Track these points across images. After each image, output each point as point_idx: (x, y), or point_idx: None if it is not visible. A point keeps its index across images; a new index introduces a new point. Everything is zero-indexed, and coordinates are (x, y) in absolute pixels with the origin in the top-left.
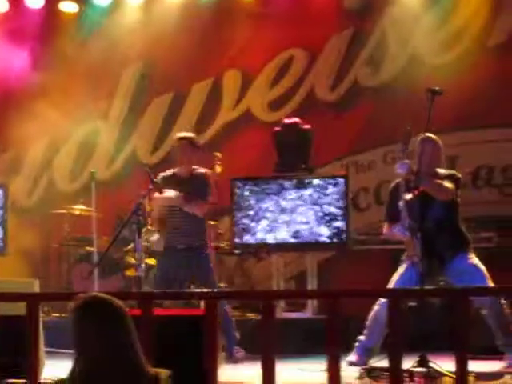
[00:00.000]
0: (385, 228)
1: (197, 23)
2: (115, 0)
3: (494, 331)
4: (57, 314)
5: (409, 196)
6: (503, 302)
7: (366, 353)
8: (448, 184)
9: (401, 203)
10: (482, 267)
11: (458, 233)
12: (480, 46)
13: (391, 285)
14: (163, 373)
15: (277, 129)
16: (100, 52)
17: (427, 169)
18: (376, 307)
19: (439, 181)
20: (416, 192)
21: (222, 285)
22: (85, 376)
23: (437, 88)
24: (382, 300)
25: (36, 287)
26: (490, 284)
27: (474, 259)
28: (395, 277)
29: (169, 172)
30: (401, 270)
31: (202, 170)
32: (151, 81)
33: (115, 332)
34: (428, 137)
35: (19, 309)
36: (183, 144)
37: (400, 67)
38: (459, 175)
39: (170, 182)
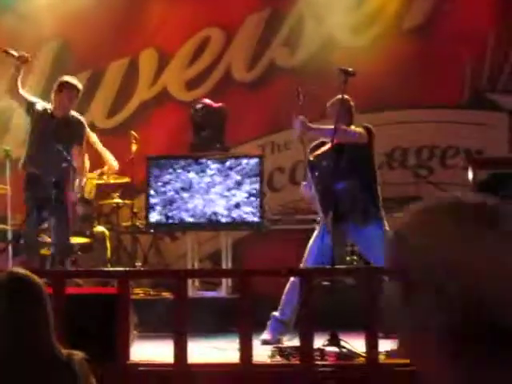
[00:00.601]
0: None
1: (114, 1)
2: None
3: None
4: None
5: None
6: None
7: (279, 329)
8: (357, 128)
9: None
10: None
11: (373, 195)
12: (395, 28)
13: (306, 254)
14: (78, 355)
15: (192, 108)
16: (13, 30)
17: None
18: (288, 285)
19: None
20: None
21: (137, 264)
22: None
23: (349, 69)
24: (293, 280)
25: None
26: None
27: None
28: (310, 244)
29: (43, 104)
30: (315, 234)
31: (81, 117)
32: (68, 59)
33: (31, 310)
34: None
35: None
36: (76, 93)
37: (316, 48)
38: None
39: (43, 114)
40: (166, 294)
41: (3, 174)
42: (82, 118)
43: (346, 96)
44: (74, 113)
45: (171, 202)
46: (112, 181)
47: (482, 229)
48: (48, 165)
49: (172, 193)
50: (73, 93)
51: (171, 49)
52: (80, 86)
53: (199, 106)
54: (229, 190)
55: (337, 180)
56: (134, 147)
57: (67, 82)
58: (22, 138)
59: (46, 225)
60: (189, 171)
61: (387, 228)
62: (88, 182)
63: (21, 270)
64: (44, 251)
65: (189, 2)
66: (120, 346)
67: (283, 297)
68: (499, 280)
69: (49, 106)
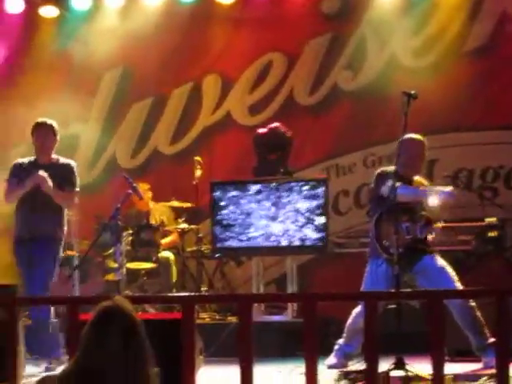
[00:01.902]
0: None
1: (176, 28)
2: (95, 4)
3: (467, 334)
4: None
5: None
6: (472, 304)
7: (345, 357)
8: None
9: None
10: (450, 268)
11: None
12: (456, 50)
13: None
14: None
15: (257, 133)
16: (79, 57)
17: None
18: (353, 314)
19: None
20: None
21: (202, 288)
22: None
23: (412, 92)
24: (359, 308)
25: (15, 292)
26: (459, 286)
27: (441, 260)
28: (365, 279)
29: (26, 159)
30: (369, 270)
31: (67, 160)
32: (131, 85)
33: (143, 345)
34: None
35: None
36: (44, 131)
37: (378, 71)
38: None
39: (28, 168)
40: (232, 319)
41: None
42: (70, 162)
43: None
44: (61, 158)
45: (236, 226)
46: (174, 205)
47: None
48: None
49: (237, 217)
50: (40, 132)
51: (234, 74)
52: (48, 122)
53: (264, 130)
54: (293, 213)
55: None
56: (198, 172)
57: (34, 124)
58: (88, 163)
59: (111, 250)
60: (253, 196)
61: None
62: (155, 208)
63: (121, 303)
64: (110, 276)
65: (251, 28)
66: (186, 371)
67: (349, 326)
68: None
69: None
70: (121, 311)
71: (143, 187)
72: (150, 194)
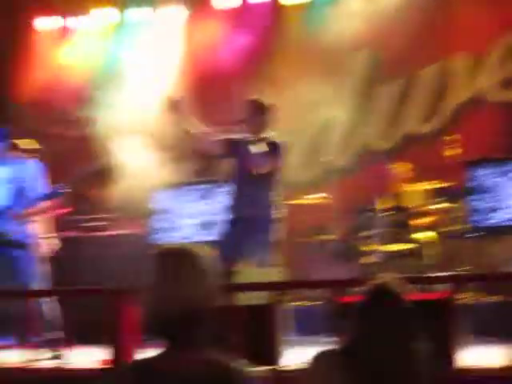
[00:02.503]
0: None
1: (417, 7)
2: None
3: None
4: (298, 303)
5: None
6: None
7: None
8: None
9: None
10: None
11: None
12: None
13: None
14: None
15: None
16: (327, 40)
17: None
18: None
19: None
20: None
21: (462, 268)
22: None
23: None
24: None
25: (282, 276)
26: None
27: None
28: None
29: None
30: None
31: None
32: (379, 67)
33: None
34: None
35: (264, 298)
36: None
37: None
38: None
39: None
40: (493, 298)
41: (324, 185)
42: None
43: None
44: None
45: (493, 205)
46: (429, 187)
47: None
48: None
49: (494, 195)
50: None
51: (483, 49)
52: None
53: None
54: None
55: None
56: (451, 151)
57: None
58: (341, 146)
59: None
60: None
61: None
62: (410, 190)
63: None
64: (365, 259)
65: (495, 2)
66: (454, 348)
67: None
68: None
69: None
70: (390, 291)
71: (405, 167)
72: (410, 175)
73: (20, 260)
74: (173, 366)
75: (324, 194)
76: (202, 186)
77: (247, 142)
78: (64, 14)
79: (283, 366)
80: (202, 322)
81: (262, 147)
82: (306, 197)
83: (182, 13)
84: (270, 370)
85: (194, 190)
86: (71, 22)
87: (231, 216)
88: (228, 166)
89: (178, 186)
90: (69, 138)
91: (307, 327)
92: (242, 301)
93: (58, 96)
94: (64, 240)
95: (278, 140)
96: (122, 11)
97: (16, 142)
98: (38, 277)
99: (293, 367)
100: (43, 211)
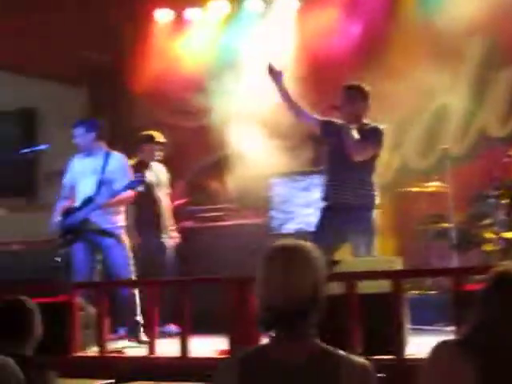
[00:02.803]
0: None
1: None
2: None
3: None
4: (416, 292)
5: None
6: None
7: None
8: None
9: None
10: None
11: None
12: None
13: None
14: None
15: None
16: (443, 25)
17: None
18: None
19: None
20: None
21: None
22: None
23: None
24: None
25: (399, 265)
26: None
27: None
28: None
29: None
30: None
31: None
32: (496, 52)
33: None
34: None
35: (383, 286)
36: None
37: None
38: None
39: None
40: None
41: (442, 173)
42: None
43: None
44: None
45: None
46: None
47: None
48: None
49: None
50: None
51: None
52: None
53: None
54: None
55: None
56: None
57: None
58: (458, 134)
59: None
60: None
61: None
62: None
63: None
64: (487, 247)
65: None
66: None
67: None
68: None
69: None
70: None
71: None
72: None
73: (111, 249)
74: (282, 355)
75: (441, 182)
76: (318, 175)
77: (348, 128)
78: (182, 6)
79: (408, 355)
80: (311, 314)
81: (361, 134)
82: (422, 184)
83: (294, 1)
84: (393, 359)
85: (309, 178)
86: (188, 13)
87: (329, 203)
88: (325, 152)
89: (294, 174)
90: (186, 128)
91: (422, 316)
92: (363, 289)
93: (175, 87)
94: (182, 230)
95: (379, 126)
96: (236, 2)
97: (151, 133)
98: (130, 266)
99: (416, 356)
100: (125, 201)
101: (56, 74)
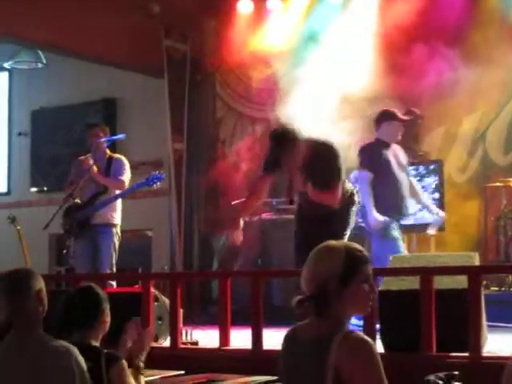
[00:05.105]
0: None
1: None
2: None
3: None
4: (496, 288)
5: None
6: None
7: None
8: None
9: None
10: None
11: None
12: None
13: None
14: None
15: None
16: None
17: None
18: None
19: None
20: None
21: None
22: None
23: None
24: None
25: (476, 260)
26: None
27: None
28: None
29: None
30: None
31: None
32: None
33: None
34: None
35: (460, 282)
36: None
37: None
38: None
39: None
40: None
41: None
42: None
43: None
44: None
45: None
46: None
47: None
48: None
49: None
50: None
51: None
52: None
53: None
54: None
55: None
56: None
57: None
58: None
59: None
60: None
61: None
62: None
63: None
64: None
65: None
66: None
67: None
68: None
69: None
70: None
71: None
72: None
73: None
74: (301, 331)
75: None
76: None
77: None
78: None
79: (485, 353)
80: (335, 299)
81: None
82: (505, 180)
83: None
84: (469, 356)
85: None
86: (269, 4)
87: None
88: None
89: None
90: (268, 119)
91: (501, 314)
92: (439, 285)
93: (256, 78)
94: (260, 222)
95: None
96: None
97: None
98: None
99: (496, 354)
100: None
101: (139, 65)
